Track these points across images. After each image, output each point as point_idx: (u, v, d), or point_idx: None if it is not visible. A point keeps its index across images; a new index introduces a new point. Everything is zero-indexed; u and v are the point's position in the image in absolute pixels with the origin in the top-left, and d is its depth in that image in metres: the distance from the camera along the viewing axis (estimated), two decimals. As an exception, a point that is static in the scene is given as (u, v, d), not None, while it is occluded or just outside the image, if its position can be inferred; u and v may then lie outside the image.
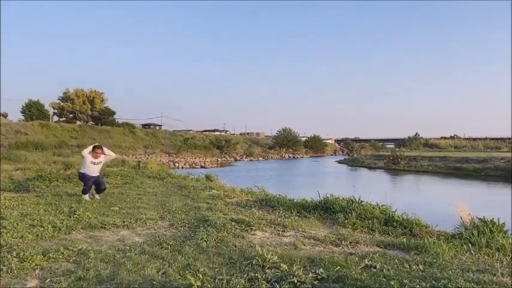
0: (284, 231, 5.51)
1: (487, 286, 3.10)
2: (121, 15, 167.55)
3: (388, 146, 72.86)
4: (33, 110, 55.82)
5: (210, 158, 56.21)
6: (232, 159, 60.01)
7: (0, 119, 47.23)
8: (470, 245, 4.70)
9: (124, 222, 5.69)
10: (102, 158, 8.36)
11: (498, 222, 5.41)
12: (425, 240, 4.70)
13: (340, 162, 52.66)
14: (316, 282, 3.22)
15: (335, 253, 4.25)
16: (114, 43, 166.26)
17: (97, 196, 8.12)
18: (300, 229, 5.63)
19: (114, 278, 3.30)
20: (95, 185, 8.17)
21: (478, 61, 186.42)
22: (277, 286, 3.10)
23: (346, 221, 6.17)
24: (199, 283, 3.10)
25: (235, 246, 4.47)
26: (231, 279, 3.28)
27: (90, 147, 8.35)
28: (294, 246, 4.62)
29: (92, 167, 8.14)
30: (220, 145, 66.77)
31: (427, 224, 6.21)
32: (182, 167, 40.16)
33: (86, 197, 7.89)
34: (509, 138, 65.28)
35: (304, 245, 4.78)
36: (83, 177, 8.12)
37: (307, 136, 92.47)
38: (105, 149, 8.49)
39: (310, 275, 3.35)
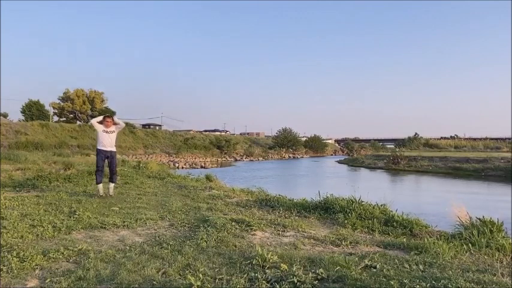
0: (284, 231, 5.50)
1: (487, 286, 3.10)
2: (121, 15, 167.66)
3: (388, 146, 72.79)
4: (33, 110, 55.83)
5: (210, 158, 56.22)
6: (232, 159, 60.00)
7: (0, 119, 47.23)
8: (470, 245, 4.70)
9: (124, 222, 5.69)
10: (113, 127, 8.47)
11: (497, 222, 5.41)
12: (425, 240, 4.69)
13: (340, 162, 52.66)
14: (316, 282, 3.22)
15: (335, 253, 4.24)
16: (114, 43, 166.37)
17: (111, 190, 8.26)
18: (300, 229, 5.63)
19: (114, 278, 3.30)
20: (108, 166, 8.27)
21: (478, 61, 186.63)
22: (277, 286, 3.10)
23: (346, 221, 6.17)
24: (199, 283, 3.09)
25: (235, 246, 4.47)
26: (231, 279, 3.28)
27: (100, 117, 8.52)
28: (294, 246, 4.61)
29: (106, 137, 8.26)
30: (220, 145, 66.75)
31: (427, 224, 6.21)
32: (182, 167, 40.17)
33: (100, 186, 8.07)
34: (509, 138, 65.30)
35: (304, 245, 4.77)
36: (98, 153, 8.31)
37: (307, 136, 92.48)
38: (115, 118, 8.67)
39: (310, 275, 3.35)
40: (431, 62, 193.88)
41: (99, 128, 8.26)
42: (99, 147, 8.30)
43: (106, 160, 8.34)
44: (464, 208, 6.16)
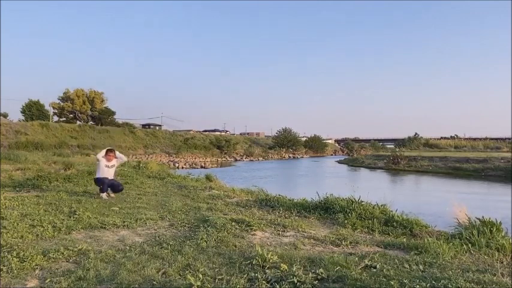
0: (284, 231, 5.51)
1: (487, 286, 3.10)
2: (121, 15, 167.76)
3: (388, 146, 72.75)
4: (33, 110, 55.82)
5: (210, 158, 56.20)
6: (232, 159, 59.98)
7: (0, 119, 47.23)
8: (470, 245, 4.70)
9: (124, 222, 5.69)
10: (114, 161, 8.73)
11: (497, 222, 5.40)
12: (425, 240, 4.69)
13: (340, 162, 52.63)
14: (316, 282, 3.22)
15: (335, 253, 4.24)
16: (114, 43, 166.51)
17: (112, 195, 8.39)
18: (300, 229, 5.63)
19: (114, 278, 3.30)
20: (110, 187, 8.42)
21: (478, 61, 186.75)
22: (277, 286, 3.10)
23: (346, 221, 6.16)
24: (199, 283, 3.09)
25: (235, 246, 4.47)
26: (231, 279, 3.28)
27: (104, 151, 8.67)
28: (294, 246, 4.61)
29: (107, 171, 8.49)
30: (220, 145, 66.74)
31: (427, 224, 6.21)
32: (182, 167, 40.15)
33: (104, 195, 8.16)
34: (509, 138, 65.31)
35: (304, 245, 4.77)
36: (99, 181, 8.39)
37: (307, 136, 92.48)
38: (117, 152, 8.88)
39: (310, 275, 3.35)
40: (431, 62, 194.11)
41: (102, 162, 8.46)
42: (100, 177, 8.39)
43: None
44: (465, 208, 6.15)
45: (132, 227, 5.50)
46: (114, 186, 8.43)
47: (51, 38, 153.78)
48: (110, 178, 8.43)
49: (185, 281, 3.17)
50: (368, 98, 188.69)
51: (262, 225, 5.69)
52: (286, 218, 6.51)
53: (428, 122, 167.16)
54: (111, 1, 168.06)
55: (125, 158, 9.15)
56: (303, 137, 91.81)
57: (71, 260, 3.84)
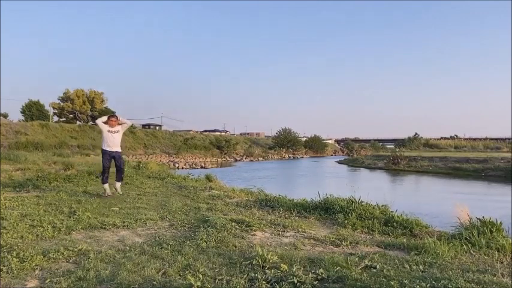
0: (284, 231, 5.50)
1: (487, 286, 3.10)
2: (121, 15, 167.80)
3: (388, 146, 72.72)
4: (33, 110, 55.85)
5: (210, 158, 56.23)
6: (232, 159, 60.00)
7: (0, 119, 47.24)
8: (470, 245, 4.70)
9: (124, 222, 5.68)
10: (119, 127, 8.38)
11: (497, 222, 5.40)
12: (426, 240, 4.69)
13: (340, 162, 52.67)
14: (316, 282, 3.22)
15: (335, 253, 4.24)
16: (114, 43, 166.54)
17: (119, 189, 8.25)
18: (300, 229, 5.63)
19: (114, 278, 3.30)
20: (115, 165, 8.22)
21: (478, 61, 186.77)
22: (277, 286, 3.10)
23: (346, 222, 6.16)
24: (199, 283, 3.09)
25: (235, 246, 4.47)
26: (231, 279, 3.28)
27: (105, 117, 8.42)
28: (294, 247, 4.61)
29: (111, 137, 8.20)
30: (220, 145, 66.75)
31: (427, 224, 6.21)
32: (182, 167, 40.19)
33: (106, 186, 8.04)
34: (509, 138, 65.34)
35: (304, 245, 4.77)
36: (103, 154, 8.24)
37: (307, 136, 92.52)
38: (120, 117, 8.56)
39: (310, 275, 3.35)
40: (431, 62, 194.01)
41: (104, 128, 8.19)
42: (103, 148, 8.26)
43: (112, 160, 8.31)
44: (467, 208, 6.15)
45: (132, 227, 5.49)
46: (117, 165, 8.20)
47: (51, 38, 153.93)
48: (115, 149, 8.19)
49: (185, 281, 3.16)
50: (368, 98, 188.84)
51: (262, 225, 5.69)
52: (286, 218, 6.51)
53: (428, 122, 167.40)
54: (111, 1, 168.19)
55: (129, 122, 8.72)
56: (303, 137, 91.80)
57: (71, 260, 3.84)
